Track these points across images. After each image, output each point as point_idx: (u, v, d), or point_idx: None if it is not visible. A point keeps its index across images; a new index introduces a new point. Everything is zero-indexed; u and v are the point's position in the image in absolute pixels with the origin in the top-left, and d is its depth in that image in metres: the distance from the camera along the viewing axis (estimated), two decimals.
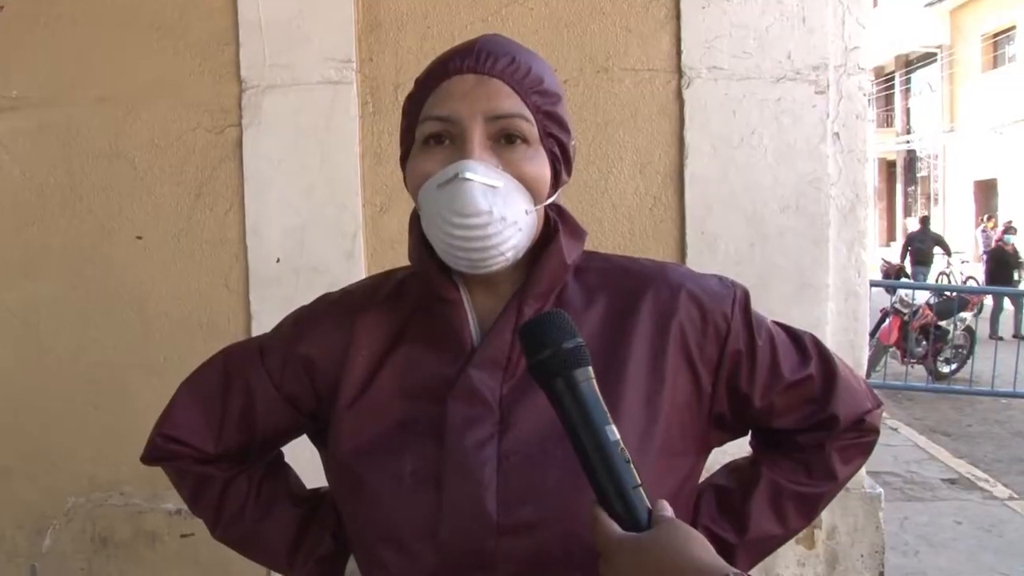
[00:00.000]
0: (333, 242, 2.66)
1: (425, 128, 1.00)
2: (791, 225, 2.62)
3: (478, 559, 0.97)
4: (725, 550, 1.12)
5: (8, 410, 2.79)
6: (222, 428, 1.15)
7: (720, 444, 1.14)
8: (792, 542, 2.64)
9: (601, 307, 1.07)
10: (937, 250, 15.53)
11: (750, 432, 1.18)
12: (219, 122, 2.69)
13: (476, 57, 1.00)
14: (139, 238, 2.73)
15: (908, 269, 14.48)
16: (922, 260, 14.93)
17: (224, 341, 2.76)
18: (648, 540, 0.83)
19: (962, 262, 16.94)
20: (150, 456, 1.20)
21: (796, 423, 1.12)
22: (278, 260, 2.68)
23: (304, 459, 1.30)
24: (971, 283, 15.25)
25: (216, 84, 2.69)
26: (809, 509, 1.17)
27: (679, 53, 2.63)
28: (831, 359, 1.14)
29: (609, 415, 0.87)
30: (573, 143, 1.08)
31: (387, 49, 2.68)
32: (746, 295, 1.10)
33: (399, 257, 2.72)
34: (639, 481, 0.87)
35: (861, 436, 1.16)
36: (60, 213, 2.75)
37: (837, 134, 2.64)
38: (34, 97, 2.73)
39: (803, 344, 1.13)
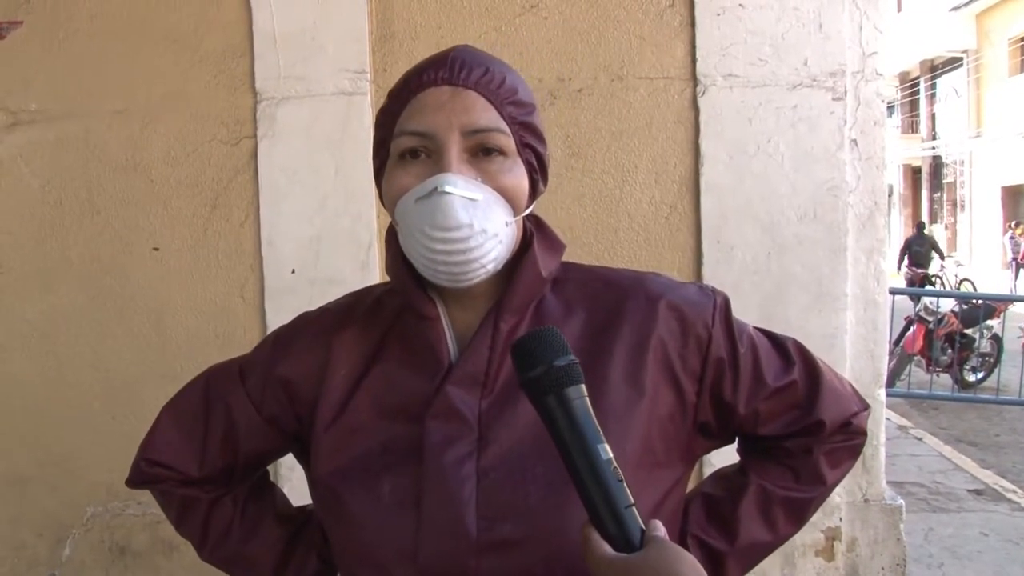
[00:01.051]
0: (348, 253, 2.67)
1: (401, 143, 0.99)
2: (808, 233, 2.60)
3: None
4: (715, 558, 1.12)
5: (27, 420, 2.81)
6: (205, 451, 1.14)
7: (706, 452, 1.13)
8: (811, 554, 2.62)
9: (580, 320, 1.05)
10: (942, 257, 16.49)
11: (737, 439, 1.17)
12: (234, 134, 2.71)
13: (450, 68, 0.98)
14: (156, 249, 2.75)
15: (905, 272, 15.59)
16: (920, 263, 15.67)
17: (240, 351, 2.77)
18: (638, 561, 0.82)
19: (956, 265, 17.75)
20: (135, 480, 1.20)
21: (782, 429, 1.11)
22: (293, 271, 2.68)
23: (299, 476, 1.30)
24: (966, 285, 16.06)
25: (231, 96, 2.70)
26: (798, 514, 1.16)
27: (694, 61, 2.62)
28: (815, 363, 1.13)
29: (602, 433, 0.86)
30: (547, 153, 1.06)
31: (401, 60, 2.68)
32: (726, 302, 1.09)
33: None
34: (632, 500, 0.85)
35: (848, 439, 1.15)
36: (78, 225, 2.77)
37: (855, 141, 2.62)
38: (52, 110, 2.75)
39: (786, 349, 1.12)
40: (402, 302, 1.06)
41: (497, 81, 0.99)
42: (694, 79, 2.63)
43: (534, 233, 1.06)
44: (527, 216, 1.05)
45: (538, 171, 1.04)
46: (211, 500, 1.18)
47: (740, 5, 2.60)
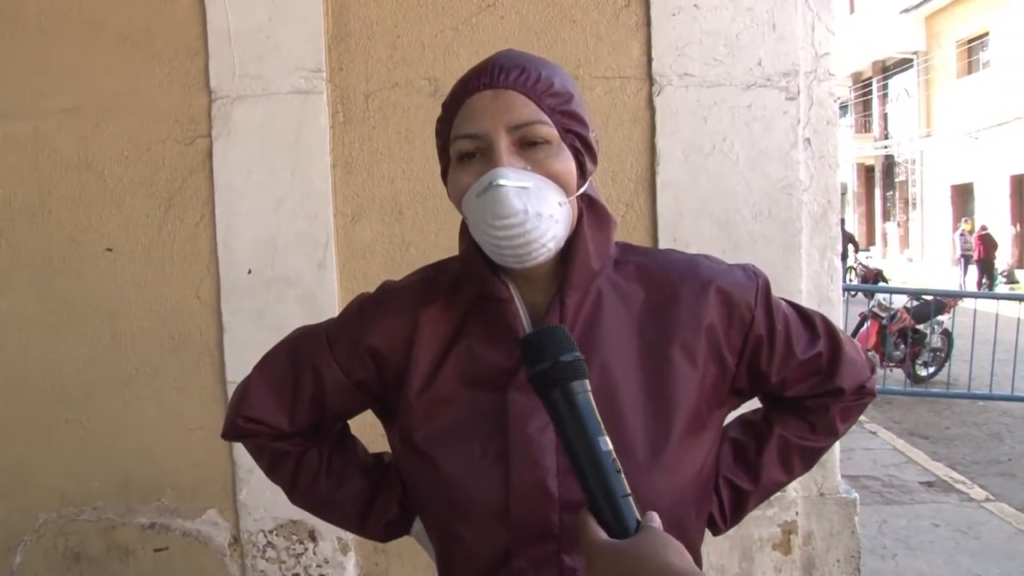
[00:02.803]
0: (304, 252, 2.65)
1: (457, 147, 1.10)
2: (763, 231, 2.63)
3: (544, 531, 1.09)
4: (740, 495, 1.30)
5: None
6: (295, 409, 1.25)
7: (736, 407, 1.27)
8: (768, 548, 2.66)
9: (640, 299, 1.18)
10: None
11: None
12: (189, 133, 2.68)
13: (490, 74, 1.10)
14: (109, 250, 2.71)
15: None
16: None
17: (196, 353, 2.76)
18: (627, 546, 0.87)
19: (867, 257, 20.08)
20: (231, 434, 1.30)
21: (805, 392, 1.26)
22: (249, 271, 2.66)
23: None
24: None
25: (185, 95, 2.67)
26: (811, 460, 1.35)
27: (650, 60, 2.64)
28: (837, 336, 1.27)
29: (603, 426, 0.92)
30: (593, 133, 1.16)
31: (357, 58, 2.67)
32: (767, 284, 1.21)
33: (370, 267, 2.72)
34: (628, 491, 0.91)
35: (859, 399, 1.31)
36: (28, 226, 2.72)
37: (808, 140, 2.66)
38: (0, 109, 2.70)
39: (814, 324, 1.26)
40: (478, 286, 1.17)
41: (533, 78, 1.10)
42: (650, 78, 2.65)
43: (584, 212, 1.15)
44: (581, 195, 1.15)
45: (584, 153, 1.14)
46: (300, 452, 1.30)
47: (695, 5, 2.63)
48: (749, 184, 2.64)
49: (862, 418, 7.69)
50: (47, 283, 2.73)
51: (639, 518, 0.90)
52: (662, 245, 2.63)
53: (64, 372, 2.75)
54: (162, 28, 2.67)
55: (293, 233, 2.65)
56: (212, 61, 2.65)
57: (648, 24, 2.65)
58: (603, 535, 0.89)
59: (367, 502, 1.32)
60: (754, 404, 1.33)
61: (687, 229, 2.63)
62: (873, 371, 1.32)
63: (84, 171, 2.71)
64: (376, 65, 2.67)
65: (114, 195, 2.70)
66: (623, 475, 0.91)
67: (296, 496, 1.34)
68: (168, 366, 2.73)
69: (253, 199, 2.66)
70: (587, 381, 0.93)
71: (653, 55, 2.64)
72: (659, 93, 2.64)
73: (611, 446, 0.91)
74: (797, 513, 2.70)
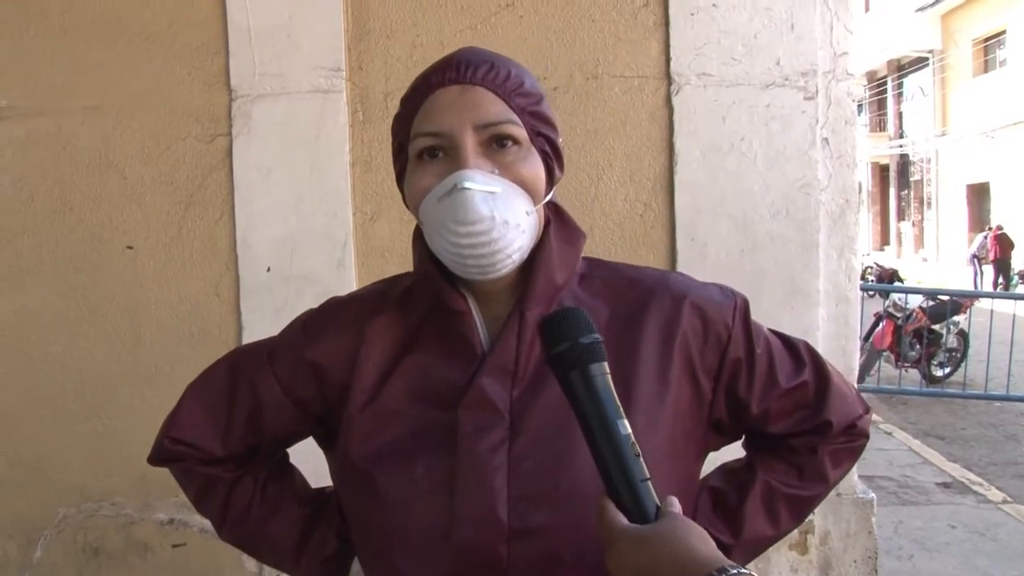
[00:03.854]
0: (323, 251, 2.66)
1: (418, 144, 1.01)
2: (781, 231, 2.63)
3: (490, 563, 0.99)
4: (720, 551, 1.14)
5: None
6: (229, 431, 1.16)
7: (717, 448, 1.17)
8: (785, 548, 2.65)
9: (605, 315, 1.08)
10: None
11: (744, 435, 1.21)
12: (209, 131, 2.69)
13: (456, 68, 1.01)
14: (129, 248, 2.73)
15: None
16: None
17: (215, 350, 2.76)
18: (649, 531, 0.85)
19: (865, 255, 19.99)
20: (157, 457, 1.22)
21: (791, 427, 1.16)
22: (268, 269, 2.67)
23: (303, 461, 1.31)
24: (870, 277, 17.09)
25: (206, 93, 2.69)
26: (800, 511, 1.21)
27: (668, 60, 2.64)
28: (824, 366, 1.17)
29: (622, 410, 0.90)
30: (560, 140, 1.08)
31: (377, 58, 2.68)
32: (746, 304, 1.13)
33: (389, 265, 2.73)
34: (648, 475, 0.89)
35: (852, 440, 1.20)
36: (50, 223, 2.74)
37: (826, 139, 2.65)
38: (23, 106, 2.72)
39: (798, 352, 1.17)
40: (433, 297, 1.09)
41: (503, 75, 1.02)
42: (668, 78, 2.65)
43: (551, 221, 1.08)
44: (547, 204, 1.08)
45: (553, 158, 1.07)
46: (232, 479, 1.19)
47: (713, 5, 2.63)
48: (767, 183, 2.63)
49: (876, 418, 7.69)
50: (68, 280, 2.75)
51: (658, 503, 0.89)
52: (680, 245, 2.63)
53: (84, 368, 2.76)
54: (183, 26, 2.68)
55: (312, 231, 2.66)
56: (232, 59, 2.66)
57: (666, 24, 2.64)
58: (624, 520, 0.87)
59: (303, 535, 1.21)
60: (738, 453, 1.24)
61: (705, 228, 2.63)
62: (867, 411, 1.20)
63: (105, 169, 2.72)
64: (395, 64, 2.68)
65: (135, 193, 2.72)
66: (642, 459, 0.89)
67: (226, 529, 1.22)
68: (187, 363, 2.74)
69: (272, 197, 2.67)
70: (606, 364, 0.91)
71: (671, 54, 2.64)
72: (677, 92, 2.64)
73: (630, 430, 0.89)
74: (814, 513, 2.69)
